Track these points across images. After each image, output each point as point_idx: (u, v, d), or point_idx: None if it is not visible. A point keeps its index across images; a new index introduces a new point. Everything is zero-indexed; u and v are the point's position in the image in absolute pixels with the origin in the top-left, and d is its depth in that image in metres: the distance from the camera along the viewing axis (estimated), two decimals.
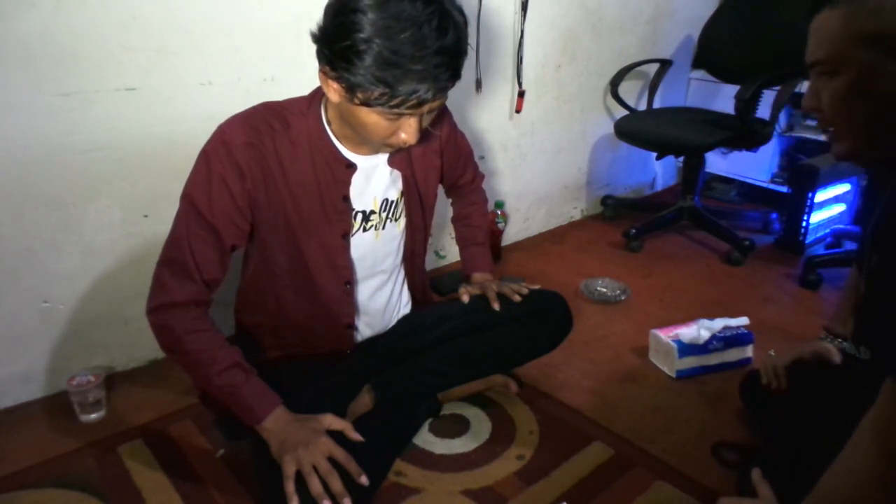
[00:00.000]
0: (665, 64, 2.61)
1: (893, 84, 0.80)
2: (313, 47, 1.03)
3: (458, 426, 1.43)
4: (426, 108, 1.03)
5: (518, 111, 2.25)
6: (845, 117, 0.86)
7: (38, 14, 1.28)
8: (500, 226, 2.29)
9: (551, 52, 2.30)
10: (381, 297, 1.34)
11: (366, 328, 1.35)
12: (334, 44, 0.97)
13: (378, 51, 0.94)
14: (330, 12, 0.99)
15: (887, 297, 0.81)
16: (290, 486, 1.03)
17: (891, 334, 0.74)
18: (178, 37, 1.46)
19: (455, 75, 1.02)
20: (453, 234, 1.60)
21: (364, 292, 1.31)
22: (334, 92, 1.03)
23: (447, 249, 2.27)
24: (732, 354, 1.64)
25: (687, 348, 1.59)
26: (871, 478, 0.72)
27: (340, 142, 1.17)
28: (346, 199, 1.20)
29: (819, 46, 0.86)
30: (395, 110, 1.01)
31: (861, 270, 0.96)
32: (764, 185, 2.77)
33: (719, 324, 1.64)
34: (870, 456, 0.73)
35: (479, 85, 2.09)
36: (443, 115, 1.31)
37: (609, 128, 2.60)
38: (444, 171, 1.38)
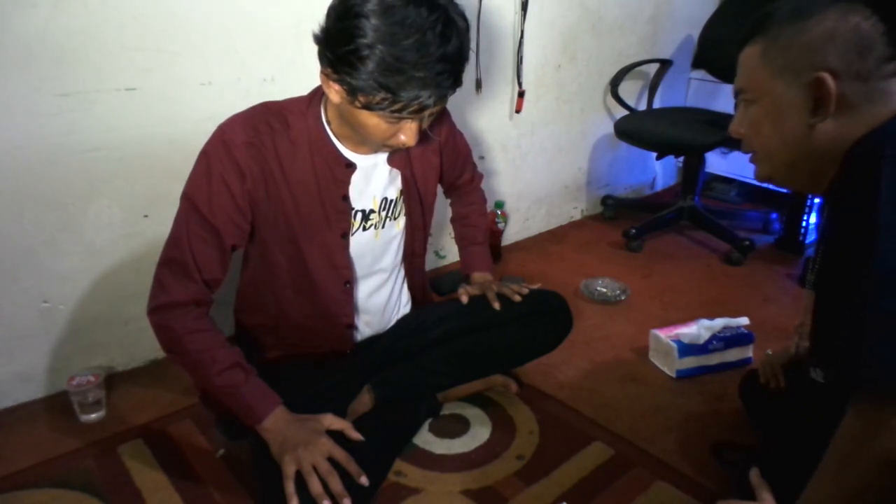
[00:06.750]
0: (665, 64, 2.61)
1: (800, 114, 0.86)
2: (313, 48, 1.03)
3: (458, 426, 1.43)
4: (427, 112, 1.03)
5: (518, 111, 2.25)
6: (761, 143, 0.93)
7: (38, 14, 1.28)
8: (500, 226, 2.29)
9: (551, 52, 2.30)
10: (380, 296, 1.34)
11: (365, 327, 1.35)
12: (337, 48, 0.97)
13: (381, 56, 0.94)
14: (333, 15, 0.98)
15: (829, 318, 0.88)
16: (290, 487, 1.03)
17: (843, 355, 0.77)
18: (178, 37, 1.46)
19: (457, 82, 1.02)
20: (453, 234, 1.60)
21: (363, 291, 1.31)
22: (335, 93, 1.03)
23: (447, 249, 2.27)
24: (733, 354, 1.64)
25: (687, 348, 1.59)
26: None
27: (340, 141, 1.17)
28: (346, 198, 1.20)
29: (742, 77, 0.94)
30: (397, 115, 1.01)
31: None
32: (764, 185, 2.77)
33: (719, 324, 1.64)
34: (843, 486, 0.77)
35: (479, 85, 2.09)
36: (442, 115, 1.31)
37: (609, 128, 2.60)
38: (444, 170, 1.38)
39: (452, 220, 1.59)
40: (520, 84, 2.21)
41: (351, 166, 1.19)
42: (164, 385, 1.56)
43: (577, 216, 2.74)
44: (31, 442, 1.37)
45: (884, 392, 0.71)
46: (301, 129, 1.14)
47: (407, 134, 1.06)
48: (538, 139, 2.41)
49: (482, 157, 2.22)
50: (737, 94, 0.96)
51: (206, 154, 1.11)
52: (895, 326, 0.71)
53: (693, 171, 2.45)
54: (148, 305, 1.13)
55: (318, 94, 1.17)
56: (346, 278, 1.25)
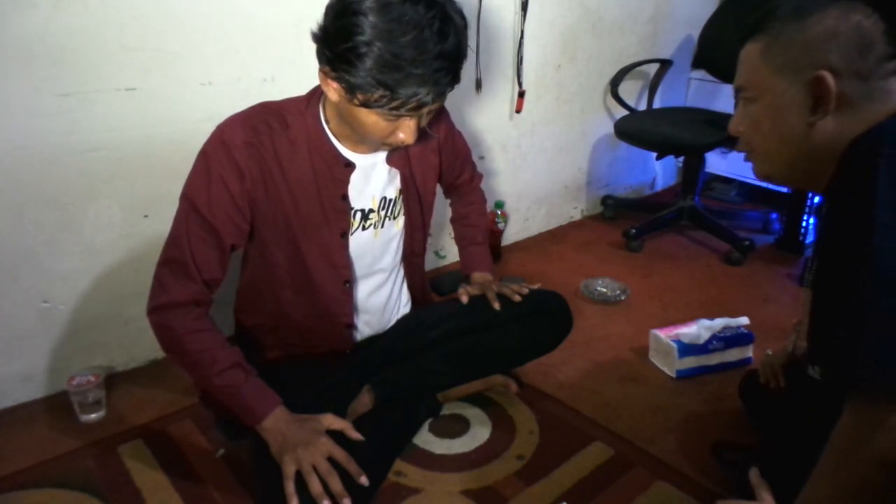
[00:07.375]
0: (665, 64, 2.61)
1: (800, 113, 0.86)
2: (313, 47, 1.03)
3: (458, 426, 1.43)
4: (425, 110, 1.03)
5: (518, 111, 2.25)
6: (761, 141, 0.93)
7: (38, 14, 1.28)
8: (500, 226, 2.29)
9: (551, 52, 2.30)
10: (380, 295, 1.34)
11: (365, 327, 1.35)
12: (335, 45, 0.97)
13: (379, 54, 0.94)
14: (331, 13, 0.99)
15: (827, 316, 0.88)
16: (290, 486, 1.03)
17: (841, 353, 0.77)
18: (178, 37, 1.46)
19: (455, 79, 1.02)
20: (453, 234, 1.60)
21: (363, 291, 1.31)
22: (334, 92, 1.04)
23: (447, 249, 2.27)
24: (733, 354, 1.64)
25: (687, 348, 1.59)
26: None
27: (339, 141, 1.17)
28: (345, 197, 1.20)
29: (742, 74, 0.93)
30: (395, 112, 1.01)
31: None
32: (764, 185, 2.77)
33: (719, 324, 1.63)
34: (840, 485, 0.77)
35: (479, 85, 2.09)
36: (440, 114, 1.31)
37: (609, 128, 2.60)
38: (443, 169, 1.38)
39: (452, 220, 1.58)
40: (520, 84, 2.21)
41: (350, 166, 1.19)
42: (164, 385, 1.56)
43: (577, 216, 2.74)
44: (31, 442, 1.37)
45: (881, 391, 0.71)
46: (300, 128, 1.15)
47: (405, 132, 1.06)
48: (538, 139, 2.41)
49: (482, 157, 2.22)
50: (737, 91, 0.96)
51: (205, 154, 1.11)
52: (892, 325, 0.71)
53: (693, 171, 2.45)
54: (148, 305, 1.13)
55: (316, 94, 1.17)
56: (346, 278, 1.25)
